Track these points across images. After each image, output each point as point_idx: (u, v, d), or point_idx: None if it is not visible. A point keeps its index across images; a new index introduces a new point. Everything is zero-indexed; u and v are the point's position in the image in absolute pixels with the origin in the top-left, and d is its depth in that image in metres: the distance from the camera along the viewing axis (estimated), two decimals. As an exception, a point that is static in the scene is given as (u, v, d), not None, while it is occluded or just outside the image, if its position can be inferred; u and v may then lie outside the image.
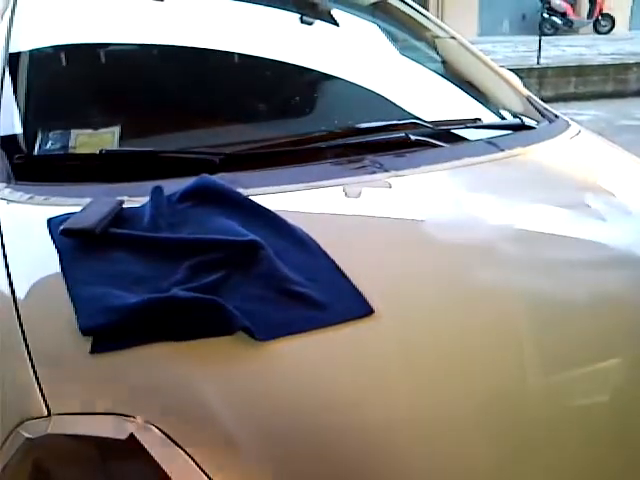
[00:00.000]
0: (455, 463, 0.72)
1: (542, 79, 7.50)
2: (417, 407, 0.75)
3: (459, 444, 0.73)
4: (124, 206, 0.95)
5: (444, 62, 1.74)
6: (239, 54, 1.53)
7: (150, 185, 0.98)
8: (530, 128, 1.40)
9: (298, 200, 1.06)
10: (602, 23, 12.67)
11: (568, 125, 1.45)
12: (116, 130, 1.19)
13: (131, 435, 0.67)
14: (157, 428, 0.68)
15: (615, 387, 0.83)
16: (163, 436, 0.67)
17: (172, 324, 0.75)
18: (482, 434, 0.74)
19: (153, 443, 0.67)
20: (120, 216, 0.93)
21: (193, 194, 0.97)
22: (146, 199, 0.96)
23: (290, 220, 0.95)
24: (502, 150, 1.25)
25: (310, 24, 1.79)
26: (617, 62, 8.21)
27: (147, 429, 0.67)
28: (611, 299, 0.93)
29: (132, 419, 0.68)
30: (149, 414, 0.68)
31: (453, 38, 1.77)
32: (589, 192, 1.14)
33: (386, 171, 1.14)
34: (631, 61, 8.26)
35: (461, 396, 0.76)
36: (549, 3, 11.56)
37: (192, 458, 0.66)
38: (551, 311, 0.90)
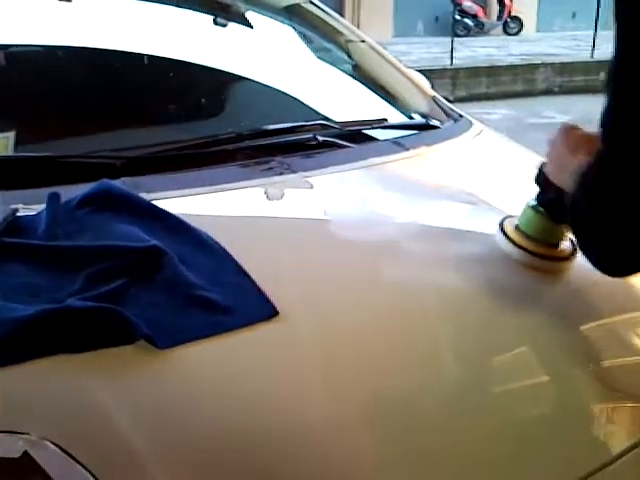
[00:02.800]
0: (365, 464, 0.72)
1: (455, 79, 7.75)
2: (325, 407, 0.75)
3: (369, 444, 0.73)
4: (18, 214, 0.91)
5: (354, 65, 1.77)
6: (145, 55, 1.49)
7: (47, 192, 0.95)
8: (435, 128, 1.44)
9: (203, 203, 1.04)
10: (511, 25, 13.23)
11: (471, 124, 1.50)
12: (11, 135, 1.13)
13: (25, 453, 0.64)
14: (53, 444, 0.65)
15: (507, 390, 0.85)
16: (60, 452, 0.65)
17: (68, 335, 0.73)
18: (391, 435, 0.75)
19: (49, 460, 0.64)
20: (13, 224, 0.89)
21: (92, 200, 0.94)
22: (42, 206, 0.93)
23: (195, 224, 0.94)
24: (407, 149, 1.28)
25: (221, 26, 1.78)
26: (525, 62, 8.58)
27: (42, 445, 0.65)
28: (506, 294, 0.96)
29: (26, 436, 0.65)
30: (44, 430, 0.66)
31: (363, 41, 1.80)
32: (485, 189, 1.19)
33: (294, 172, 1.15)
34: (538, 61, 8.66)
35: (369, 397, 0.77)
36: (461, 5, 11.96)
37: (91, 473, 0.64)
38: (454, 307, 0.93)
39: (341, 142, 1.26)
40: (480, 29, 12.64)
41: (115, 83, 1.37)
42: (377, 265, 0.97)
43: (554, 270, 0.99)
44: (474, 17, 12.57)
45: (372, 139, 1.34)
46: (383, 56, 1.76)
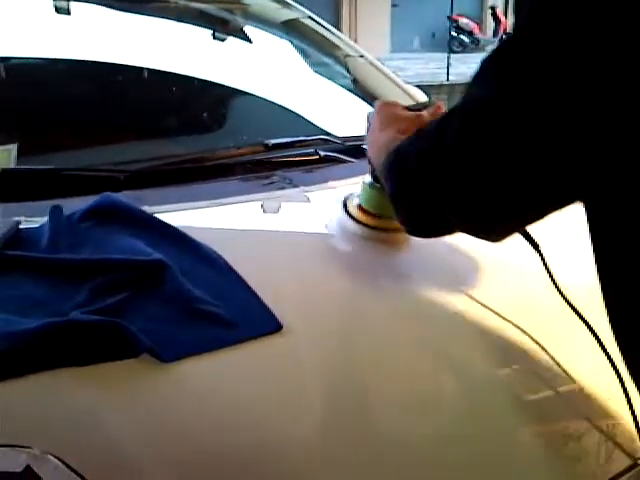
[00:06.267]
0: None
1: (452, 95, 7.81)
2: (328, 425, 0.75)
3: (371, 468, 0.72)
4: (21, 227, 0.91)
5: (354, 80, 1.78)
6: (146, 69, 1.50)
7: (49, 204, 0.95)
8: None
9: (205, 217, 1.05)
10: (506, 42, 13.29)
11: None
12: (14, 147, 1.14)
13: (27, 467, 0.63)
14: (56, 458, 0.64)
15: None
16: (62, 466, 0.64)
17: (71, 349, 0.72)
18: (396, 457, 0.73)
19: (52, 474, 0.63)
20: (17, 237, 0.89)
21: (94, 213, 0.95)
22: (45, 219, 0.93)
23: (197, 238, 0.94)
24: (407, 164, 1.28)
25: (221, 40, 1.79)
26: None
27: (45, 459, 0.64)
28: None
29: (28, 450, 0.64)
30: (47, 444, 0.65)
31: (362, 56, 1.82)
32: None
33: (295, 187, 1.16)
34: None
35: (375, 414, 0.77)
36: (457, 22, 12.06)
37: (94, 487, 0.64)
38: (452, 335, 0.92)
39: (342, 157, 1.27)
40: (476, 45, 12.74)
41: (117, 96, 1.38)
42: (381, 281, 0.97)
43: (396, 241, 1.02)
44: (470, 34, 12.68)
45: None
46: (382, 71, 1.78)
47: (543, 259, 0.86)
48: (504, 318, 0.91)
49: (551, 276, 0.86)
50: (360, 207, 1.03)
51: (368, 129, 0.95)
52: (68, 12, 1.60)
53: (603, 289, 0.64)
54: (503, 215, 0.64)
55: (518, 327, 0.90)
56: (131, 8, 1.67)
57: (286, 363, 0.80)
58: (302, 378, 0.79)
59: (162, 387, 0.74)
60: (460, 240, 0.81)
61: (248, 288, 0.87)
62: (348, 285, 0.96)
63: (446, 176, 0.63)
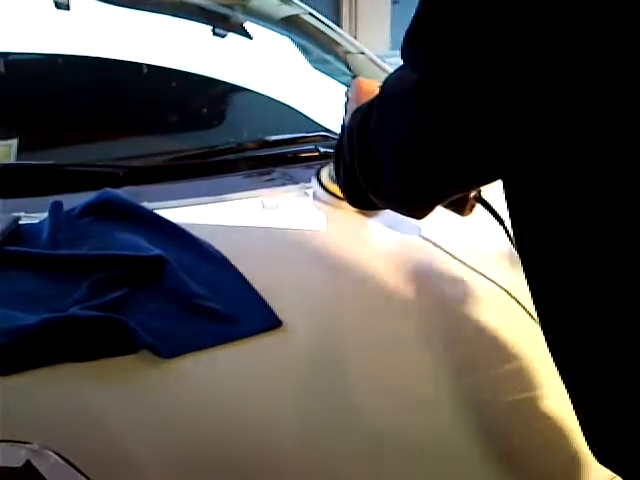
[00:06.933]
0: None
1: (452, 92, 7.77)
2: (329, 421, 0.75)
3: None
4: (21, 222, 0.92)
5: (354, 76, 1.78)
6: (146, 65, 1.50)
7: (49, 200, 0.95)
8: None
9: (205, 213, 1.05)
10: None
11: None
12: (14, 143, 1.14)
13: (27, 462, 0.63)
14: (55, 453, 0.65)
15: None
16: (62, 461, 0.64)
17: (70, 345, 0.72)
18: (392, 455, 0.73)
19: (51, 469, 0.64)
20: (16, 233, 0.89)
21: (95, 209, 0.95)
22: (44, 215, 0.93)
23: (197, 234, 0.94)
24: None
25: (221, 36, 1.79)
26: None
27: (44, 455, 0.64)
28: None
29: (28, 445, 0.65)
30: (46, 439, 0.65)
31: (362, 53, 1.82)
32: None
33: (296, 183, 1.16)
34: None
35: (373, 411, 0.77)
36: (457, 19, 12.03)
37: (93, 482, 0.64)
38: (457, 323, 0.92)
39: (342, 153, 1.27)
40: (476, 42, 12.71)
41: (117, 92, 1.38)
42: (380, 279, 0.97)
43: (369, 212, 1.05)
44: (470, 30, 12.65)
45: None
46: (382, 68, 1.77)
47: (508, 233, 0.87)
48: (493, 281, 0.92)
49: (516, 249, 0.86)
50: (331, 177, 1.07)
51: (346, 105, 0.97)
52: (68, 7, 1.60)
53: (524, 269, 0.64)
54: (418, 196, 0.66)
55: (511, 295, 0.91)
56: (130, 4, 1.67)
57: (286, 359, 0.80)
58: (302, 374, 0.79)
59: (161, 383, 0.74)
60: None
61: (247, 284, 0.87)
62: (346, 280, 0.96)
63: (367, 157, 0.65)
